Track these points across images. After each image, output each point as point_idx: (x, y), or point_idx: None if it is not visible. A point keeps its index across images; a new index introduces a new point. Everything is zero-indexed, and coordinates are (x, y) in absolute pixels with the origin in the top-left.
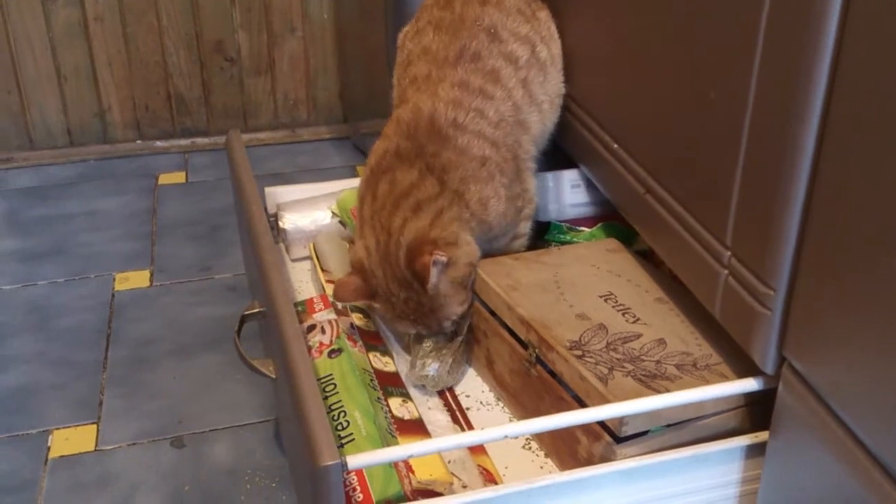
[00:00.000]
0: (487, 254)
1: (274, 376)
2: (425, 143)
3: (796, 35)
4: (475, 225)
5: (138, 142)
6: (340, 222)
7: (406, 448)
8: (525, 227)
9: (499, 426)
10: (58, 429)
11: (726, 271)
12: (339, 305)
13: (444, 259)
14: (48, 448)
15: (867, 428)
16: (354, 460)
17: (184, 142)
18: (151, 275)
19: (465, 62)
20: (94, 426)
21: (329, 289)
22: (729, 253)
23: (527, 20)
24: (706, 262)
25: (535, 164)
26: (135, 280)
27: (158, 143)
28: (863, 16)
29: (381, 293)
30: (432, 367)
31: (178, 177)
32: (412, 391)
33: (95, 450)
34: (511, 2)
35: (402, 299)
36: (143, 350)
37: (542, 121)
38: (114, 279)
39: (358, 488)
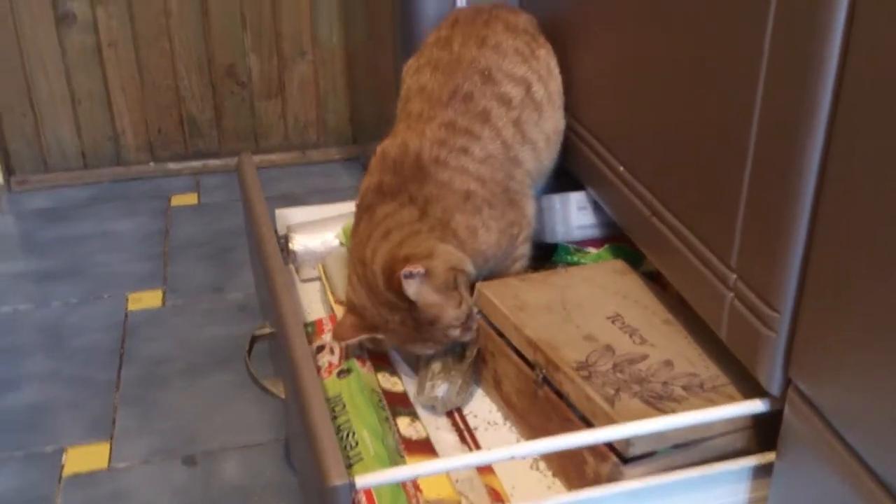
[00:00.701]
0: (489, 276)
1: (284, 396)
2: (408, 178)
3: (799, 61)
4: (469, 255)
5: (151, 164)
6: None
7: (414, 468)
8: (523, 249)
9: (506, 446)
10: (72, 447)
11: (732, 294)
12: None
13: (419, 270)
14: (62, 466)
15: (871, 450)
16: (363, 480)
17: (196, 164)
18: (164, 295)
19: (456, 103)
20: (108, 444)
21: (338, 309)
22: (734, 275)
23: (524, 60)
24: (712, 285)
25: (534, 191)
26: (147, 300)
27: (171, 166)
28: (866, 40)
29: (378, 323)
30: (442, 389)
31: (191, 198)
32: (420, 411)
33: (109, 468)
34: (509, 43)
35: (397, 322)
36: (156, 369)
37: (536, 158)
38: (127, 299)
39: None
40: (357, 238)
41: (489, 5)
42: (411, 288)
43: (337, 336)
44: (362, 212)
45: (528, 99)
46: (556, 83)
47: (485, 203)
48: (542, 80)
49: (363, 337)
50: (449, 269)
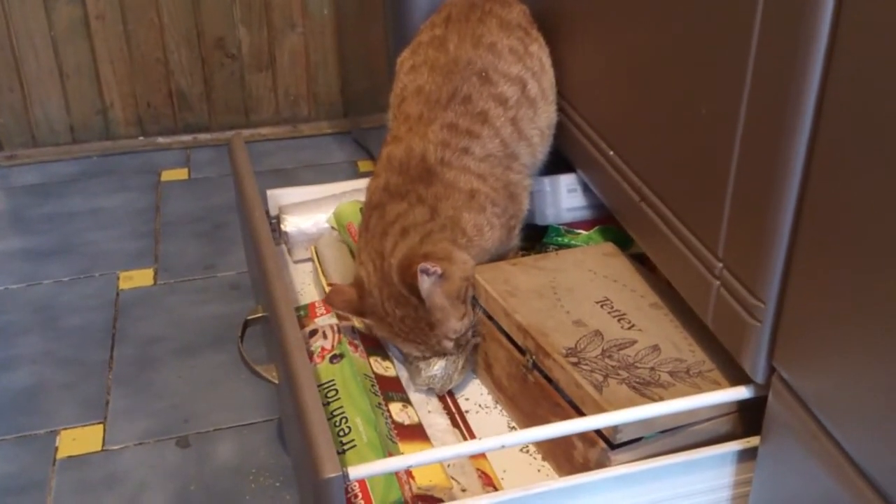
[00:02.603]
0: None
1: (276, 382)
2: (415, 178)
3: (786, 54)
4: (475, 253)
5: (140, 138)
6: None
7: (406, 459)
8: (516, 239)
9: (497, 436)
10: (65, 429)
11: (718, 282)
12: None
13: (435, 270)
14: (56, 448)
15: (849, 437)
16: (356, 471)
17: (186, 138)
18: (155, 273)
19: (455, 105)
20: (101, 426)
21: None
22: (721, 265)
23: (519, 58)
24: (699, 273)
25: (529, 181)
26: (139, 279)
27: (160, 140)
28: (851, 37)
29: (377, 312)
30: (438, 367)
31: (181, 173)
32: (412, 396)
33: (102, 450)
34: (504, 42)
35: (398, 318)
36: (149, 349)
37: (532, 153)
38: (118, 278)
39: (360, 495)
40: (370, 233)
41: None
42: (425, 284)
43: (329, 301)
44: (371, 209)
45: (524, 97)
46: (549, 78)
47: (488, 200)
48: (536, 77)
49: (351, 316)
50: (464, 278)
